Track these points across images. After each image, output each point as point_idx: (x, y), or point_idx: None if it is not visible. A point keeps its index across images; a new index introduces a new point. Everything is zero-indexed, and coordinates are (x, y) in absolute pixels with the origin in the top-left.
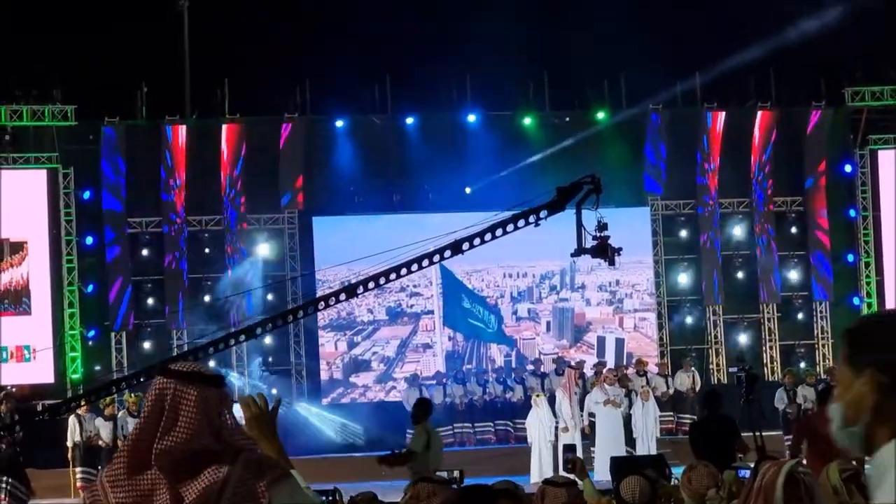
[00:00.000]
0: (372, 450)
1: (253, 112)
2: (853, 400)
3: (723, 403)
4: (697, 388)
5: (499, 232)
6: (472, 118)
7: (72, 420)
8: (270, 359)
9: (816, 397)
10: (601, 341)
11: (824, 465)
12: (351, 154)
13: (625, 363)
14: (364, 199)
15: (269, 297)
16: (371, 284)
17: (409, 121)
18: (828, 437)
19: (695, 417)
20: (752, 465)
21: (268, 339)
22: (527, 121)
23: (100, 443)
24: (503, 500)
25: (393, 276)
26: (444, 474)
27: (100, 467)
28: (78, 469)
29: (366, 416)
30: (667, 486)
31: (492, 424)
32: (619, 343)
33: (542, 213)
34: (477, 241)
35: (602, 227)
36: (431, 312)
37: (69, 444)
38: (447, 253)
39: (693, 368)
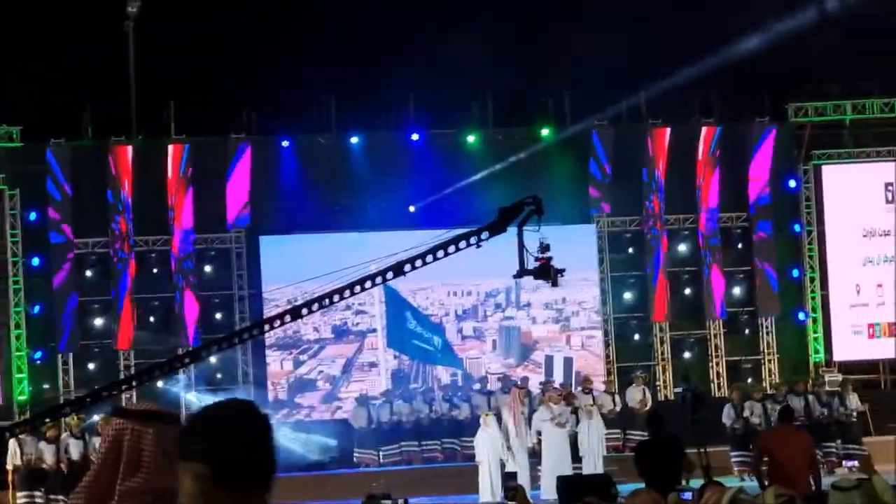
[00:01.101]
0: (319, 468)
1: (199, 132)
2: (183, 492)
3: (664, 424)
4: (648, 405)
5: (440, 254)
6: (415, 137)
7: (12, 443)
8: (219, 375)
9: (778, 415)
10: (549, 360)
11: (773, 482)
12: (297, 173)
13: (573, 381)
14: (310, 218)
15: (218, 316)
16: (315, 306)
17: (354, 140)
18: (785, 457)
19: (643, 434)
20: (699, 485)
21: (213, 359)
22: (470, 139)
23: (43, 466)
24: None
25: (336, 297)
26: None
27: (43, 489)
28: (20, 493)
29: (312, 435)
30: None
31: (439, 443)
32: (568, 361)
33: (484, 235)
34: (419, 262)
35: (544, 248)
36: (377, 331)
37: (9, 467)
38: (389, 274)
39: (644, 385)
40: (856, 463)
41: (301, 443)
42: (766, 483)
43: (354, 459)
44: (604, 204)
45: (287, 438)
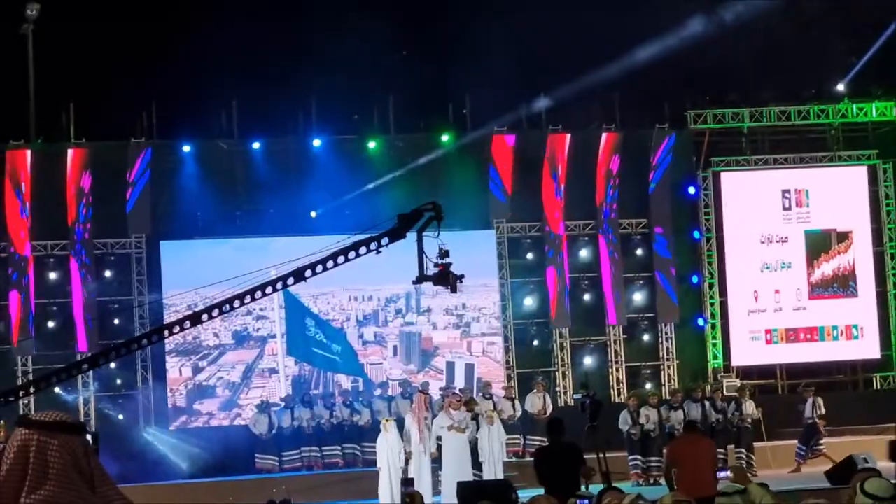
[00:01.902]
0: (218, 475)
1: (99, 136)
2: None
3: (564, 431)
4: (548, 411)
5: (340, 259)
6: (317, 142)
7: None
8: (119, 381)
9: (684, 427)
10: (450, 366)
11: (685, 488)
12: (198, 178)
13: (473, 387)
14: (211, 223)
15: (116, 321)
16: (215, 312)
17: (256, 145)
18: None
19: (543, 439)
20: (598, 490)
21: (114, 364)
22: (372, 144)
23: None
24: None
25: (237, 303)
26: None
27: None
28: None
29: (213, 441)
30: None
31: (339, 448)
32: (469, 368)
33: (384, 241)
34: (319, 268)
35: (443, 254)
36: (276, 336)
37: None
38: (290, 280)
39: (544, 391)
40: (729, 473)
41: (171, 448)
42: (675, 488)
43: (256, 465)
44: (504, 210)
45: (167, 446)
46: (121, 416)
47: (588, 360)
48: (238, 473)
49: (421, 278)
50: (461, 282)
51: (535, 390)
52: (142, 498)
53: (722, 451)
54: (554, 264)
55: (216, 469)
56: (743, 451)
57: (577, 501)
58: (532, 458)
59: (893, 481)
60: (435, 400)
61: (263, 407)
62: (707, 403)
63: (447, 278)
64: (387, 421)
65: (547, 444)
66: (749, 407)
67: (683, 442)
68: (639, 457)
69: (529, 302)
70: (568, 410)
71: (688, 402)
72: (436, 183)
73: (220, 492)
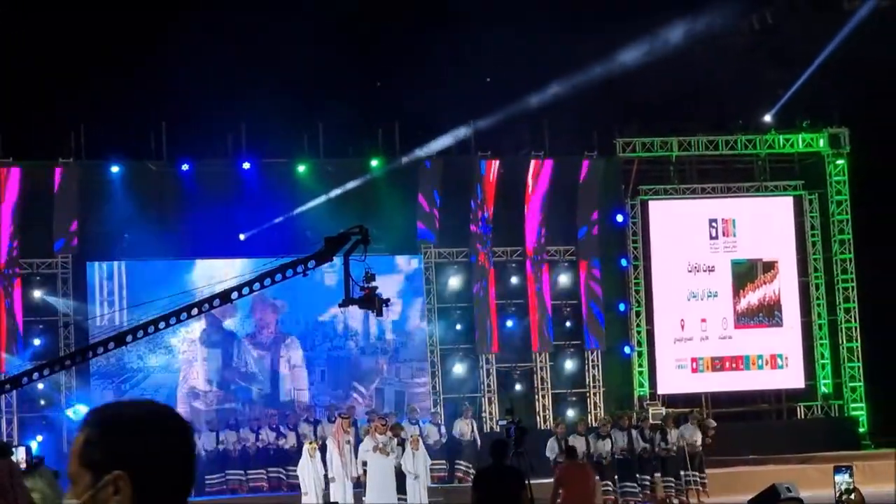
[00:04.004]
0: None
1: (27, 156)
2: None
3: (508, 454)
4: (475, 437)
5: (267, 281)
6: (247, 165)
7: None
8: (42, 402)
9: (566, 453)
10: (379, 392)
11: None
12: (126, 199)
13: (404, 411)
14: (139, 244)
15: (36, 342)
16: (140, 333)
17: (185, 167)
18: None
19: (469, 464)
20: None
21: (40, 385)
22: (301, 168)
23: None
24: None
25: (162, 324)
26: None
27: None
28: None
29: None
30: None
31: (264, 472)
32: (399, 394)
33: (311, 263)
34: (246, 290)
35: (369, 277)
36: (199, 360)
37: None
38: (216, 301)
39: (471, 417)
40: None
41: None
42: None
43: None
44: (431, 235)
45: None
46: (39, 438)
47: (515, 387)
48: None
49: (347, 301)
50: (387, 306)
51: (462, 416)
52: None
53: (648, 477)
54: (481, 290)
55: None
56: (696, 473)
57: None
58: (461, 483)
59: None
60: (361, 425)
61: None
62: (634, 432)
63: (373, 302)
64: (311, 445)
65: (488, 466)
66: (674, 435)
67: (570, 466)
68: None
69: (456, 327)
70: (493, 436)
71: (614, 430)
72: (364, 208)
73: None
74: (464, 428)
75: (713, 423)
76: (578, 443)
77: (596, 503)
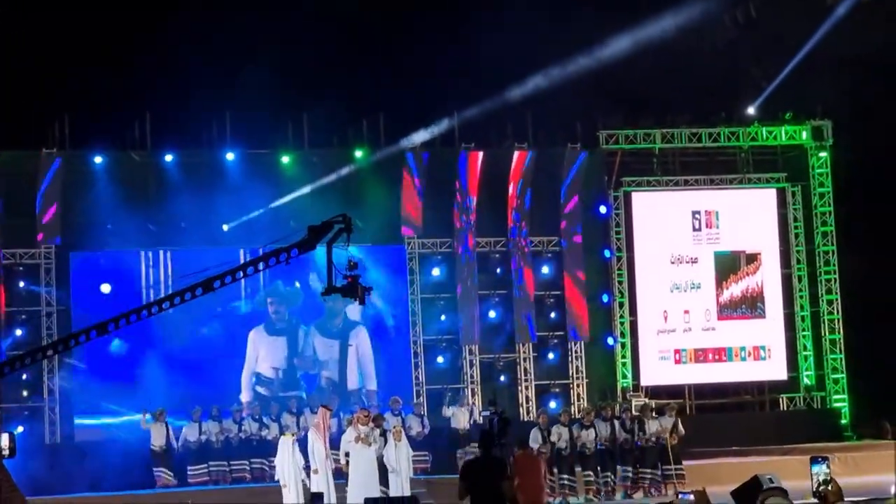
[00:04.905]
0: (121, 488)
1: (10, 146)
2: None
3: (494, 445)
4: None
5: (250, 270)
6: (231, 156)
7: None
8: (25, 393)
9: (517, 444)
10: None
11: (525, 496)
12: (110, 190)
13: (386, 402)
14: (122, 234)
15: (18, 332)
16: (123, 322)
17: (169, 158)
18: (529, 477)
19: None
20: None
21: (24, 376)
22: (285, 159)
23: None
24: None
25: (144, 312)
26: None
27: None
28: None
29: (116, 455)
30: None
31: (247, 462)
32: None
33: (294, 252)
34: (228, 278)
35: (352, 266)
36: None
37: None
38: (199, 290)
39: (469, 405)
40: (691, 497)
41: (76, 461)
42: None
43: (156, 480)
44: (415, 225)
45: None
46: (20, 428)
47: (498, 378)
48: (140, 487)
49: (329, 290)
50: (369, 294)
51: (459, 404)
52: None
53: (630, 468)
54: (464, 281)
55: (119, 482)
56: (673, 466)
57: None
58: (442, 476)
59: (796, 502)
60: (344, 416)
61: (158, 415)
62: (616, 423)
63: (355, 290)
64: (290, 436)
65: (476, 456)
66: (653, 426)
67: (523, 456)
68: (548, 476)
69: (439, 318)
70: (477, 427)
71: (598, 420)
72: (349, 198)
73: None
74: (460, 417)
75: (682, 432)
76: (563, 433)
77: (545, 493)
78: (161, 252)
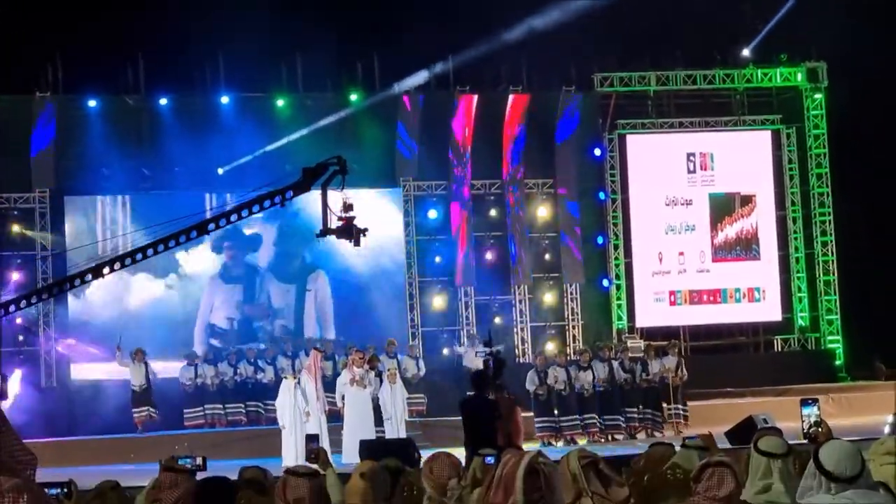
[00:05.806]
0: (124, 431)
1: (2, 90)
2: None
3: (487, 385)
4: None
5: (245, 213)
6: (225, 100)
7: None
8: (21, 337)
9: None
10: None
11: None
12: (103, 134)
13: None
14: (117, 179)
15: (15, 276)
16: (117, 265)
17: (163, 101)
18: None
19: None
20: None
21: (18, 320)
22: (280, 102)
23: None
24: (246, 491)
25: (139, 256)
26: (188, 461)
27: None
28: None
29: (109, 398)
30: (408, 475)
31: (243, 406)
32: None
33: (288, 194)
34: (223, 221)
35: (347, 207)
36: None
37: None
38: (193, 233)
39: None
40: (698, 440)
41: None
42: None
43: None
44: (411, 168)
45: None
46: (18, 371)
47: (493, 320)
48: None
49: (324, 231)
50: (364, 235)
51: (472, 344)
52: (40, 454)
53: (634, 409)
54: (459, 223)
55: (112, 426)
56: (679, 406)
57: (483, 459)
58: (436, 418)
59: (790, 441)
60: (339, 359)
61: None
62: (615, 363)
63: (351, 232)
64: (288, 378)
65: (470, 395)
66: (655, 366)
67: (501, 399)
68: (545, 417)
69: (435, 260)
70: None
71: (595, 361)
72: (344, 142)
73: (118, 450)
74: (472, 356)
75: (685, 372)
76: (560, 374)
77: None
78: (155, 196)
